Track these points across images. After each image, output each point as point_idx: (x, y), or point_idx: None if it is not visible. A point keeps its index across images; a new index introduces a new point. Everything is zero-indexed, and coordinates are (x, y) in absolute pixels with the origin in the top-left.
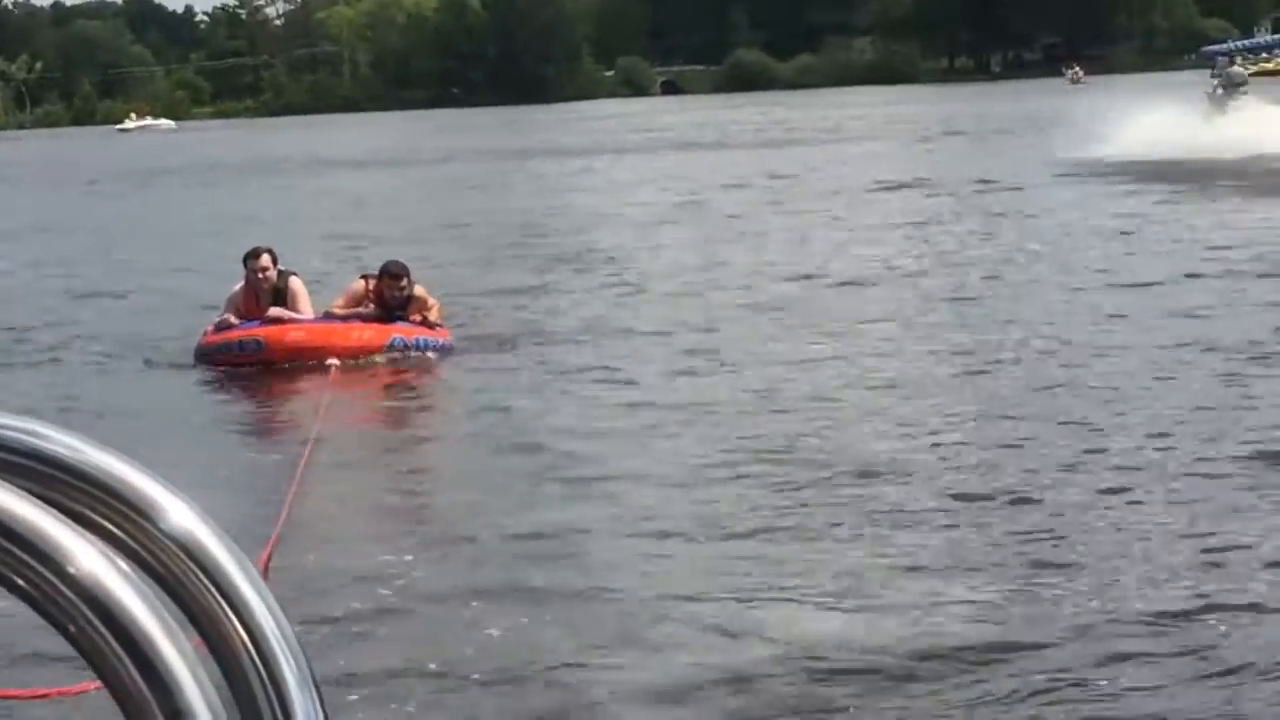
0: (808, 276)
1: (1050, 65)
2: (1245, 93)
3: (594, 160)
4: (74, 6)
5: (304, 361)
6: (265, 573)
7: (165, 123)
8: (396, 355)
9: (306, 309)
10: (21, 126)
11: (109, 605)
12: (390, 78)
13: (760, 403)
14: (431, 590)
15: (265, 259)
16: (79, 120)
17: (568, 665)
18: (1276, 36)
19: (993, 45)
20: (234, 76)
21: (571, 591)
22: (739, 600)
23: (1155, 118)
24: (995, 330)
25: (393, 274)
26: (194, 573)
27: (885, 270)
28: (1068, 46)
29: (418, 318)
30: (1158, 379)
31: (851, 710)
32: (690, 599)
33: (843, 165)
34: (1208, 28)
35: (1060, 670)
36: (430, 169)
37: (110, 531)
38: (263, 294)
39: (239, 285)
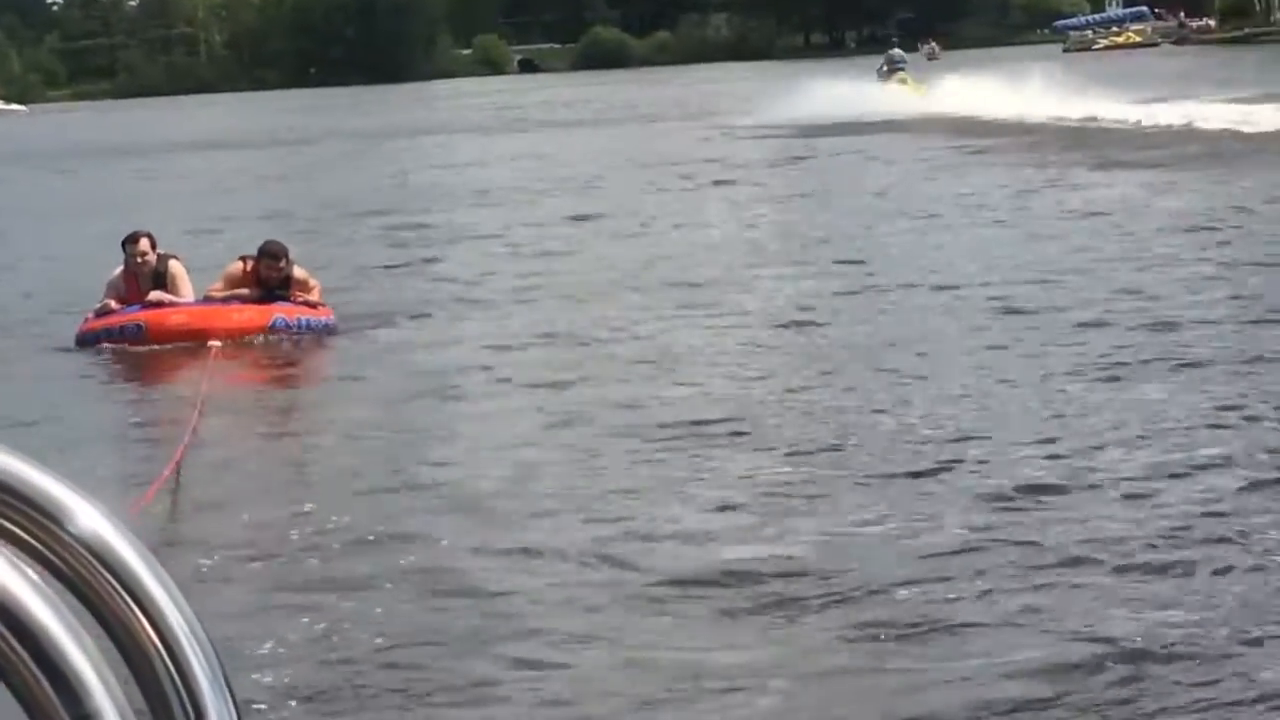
0: (667, 255)
1: (906, 41)
2: (902, 71)
3: (450, 139)
4: None
5: (186, 344)
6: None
7: (16, 107)
8: (279, 335)
9: (187, 292)
10: None
11: (15, 613)
12: (246, 58)
13: (623, 366)
14: (301, 544)
15: (144, 243)
16: None
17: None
18: (1128, 10)
19: (848, 22)
20: (89, 58)
21: (438, 548)
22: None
23: (834, 91)
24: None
25: (271, 254)
26: (103, 576)
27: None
28: (923, 22)
29: (299, 297)
30: None
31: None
32: (556, 554)
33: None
34: (1061, 2)
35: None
36: (288, 150)
37: (16, 535)
38: (143, 278)
39: (118, 270)
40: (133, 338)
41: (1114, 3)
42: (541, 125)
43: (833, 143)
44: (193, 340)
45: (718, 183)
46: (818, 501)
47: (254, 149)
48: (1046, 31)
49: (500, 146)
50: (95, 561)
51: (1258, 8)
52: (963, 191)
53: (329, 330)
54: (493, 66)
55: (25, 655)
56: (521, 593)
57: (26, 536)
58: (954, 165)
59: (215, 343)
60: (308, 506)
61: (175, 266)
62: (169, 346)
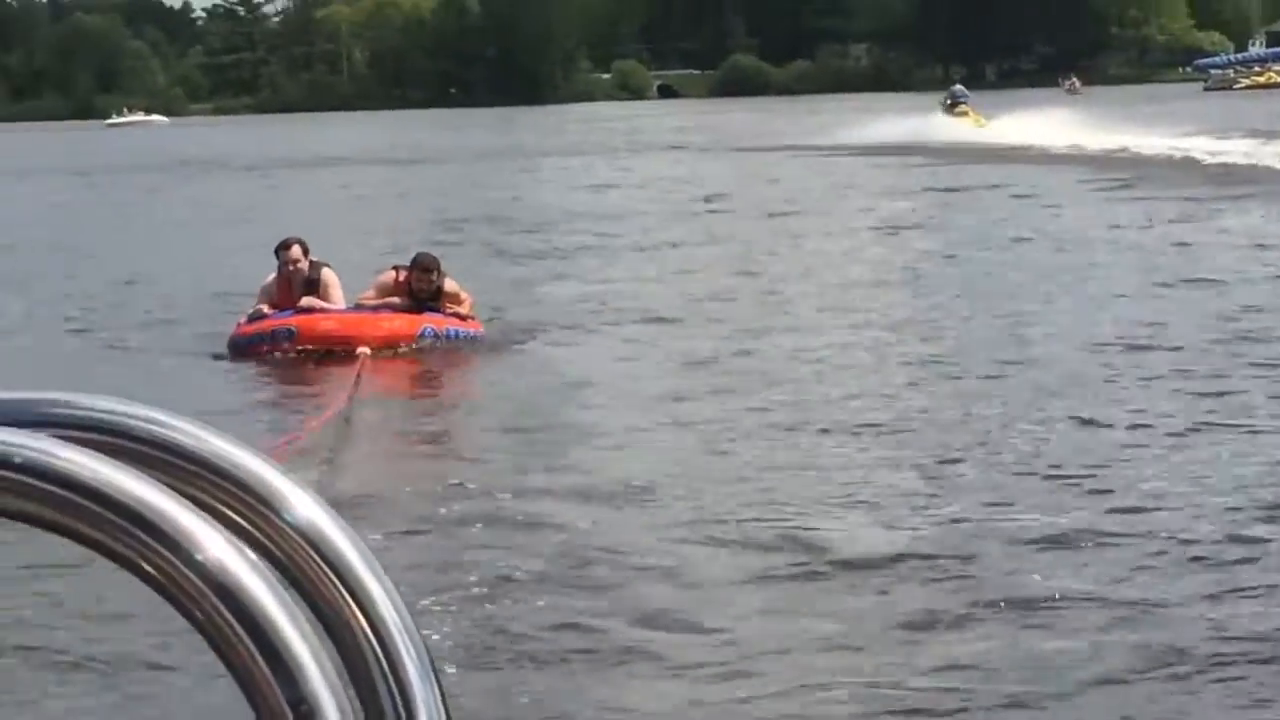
0: (804, 271)
1: (1045, 75)
2: (964, 109)
3: (588, 159)
4: (72, 1)
5: (335, 350)
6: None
7: (158, 118)
8: (427, 345)
9: (339, 299)
10: (18, 119)
11: (236, 593)
12: (387, 77)
13: (770, 377)
14: (442, 521)
15: (296, 250)
16: (77, 114)
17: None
18: (1270, 50)
19: (988, 55)
20: (231, 73)
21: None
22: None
23: (905, 122)
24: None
25: (423, 265)
26: (317, 564)
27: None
28: (1063, 57)
29: (450, 309)
30: None
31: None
32: (695, 538)
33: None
34: (1202, 40)
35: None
36: (429, 166)
37: (234, 521)
38: (295, 284)
39: (271, 276)
40: (284, 342)
41: (1257, 43)
42: (674, 148)
43: (930, 171)
44: (342, 346)
45: (863, 211)
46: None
47: (395, 165)
48: (1188, 70)
49: (636, 167)
50: (310, 549)
51: None
52: (1114, 224)
53: (478, 342)
54: (632, 91)
55: (244, 636)
56: (661, 570)
57: (243, 522)
58: (1103, 197)
59: (364, 349)
60: (448, 491)
61: (327, 274)
62: (319, 352)
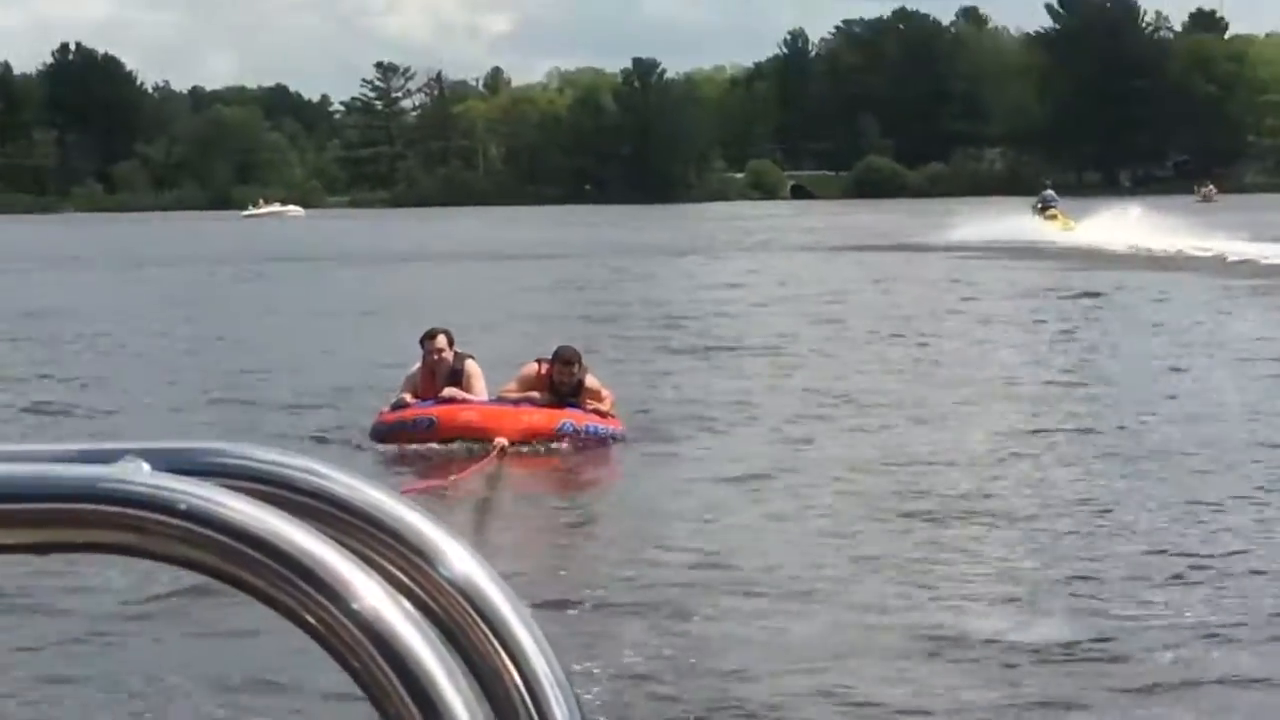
0: (935, 363)
1: (1180, 182)
2: (1054, 212)
3: (725, 257)
4: (212, 92)
5: (474, 440)
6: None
7: (294, 209)
8: (566, 440)
9: (481, 390)
10: (159, 208)
11: (393, 643)
12: (522, 173)
13: (908, 469)
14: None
15: (441, 340)
16: (215, 204)
17: None
18: None
19: (1123, 161)
20: (368, 167)
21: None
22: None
23: (1006, 222)
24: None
25: (564, 359)
26: (471, 616)
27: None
28: (1199, 164)
29: (590, 405)
30: None
31: None
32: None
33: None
34: None
35: None
36: (567, 262)
37: (391, 572)
38: (439, 375)
39: (416, 366)
40: (424, 431)
41: None
42: (804, 249)
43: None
44: (481, 438)
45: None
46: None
47: (531, 260)
48: None
49: (769, 267)
50: (464, 601)
51: None
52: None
53: (617, 439)
54: (765, 191)
55: (400, 686)
56: (804, 655)
57: (400, 573)
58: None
59: (502, 440)
60: (586, 574)
61: (471, 365)
62: (457, 443)
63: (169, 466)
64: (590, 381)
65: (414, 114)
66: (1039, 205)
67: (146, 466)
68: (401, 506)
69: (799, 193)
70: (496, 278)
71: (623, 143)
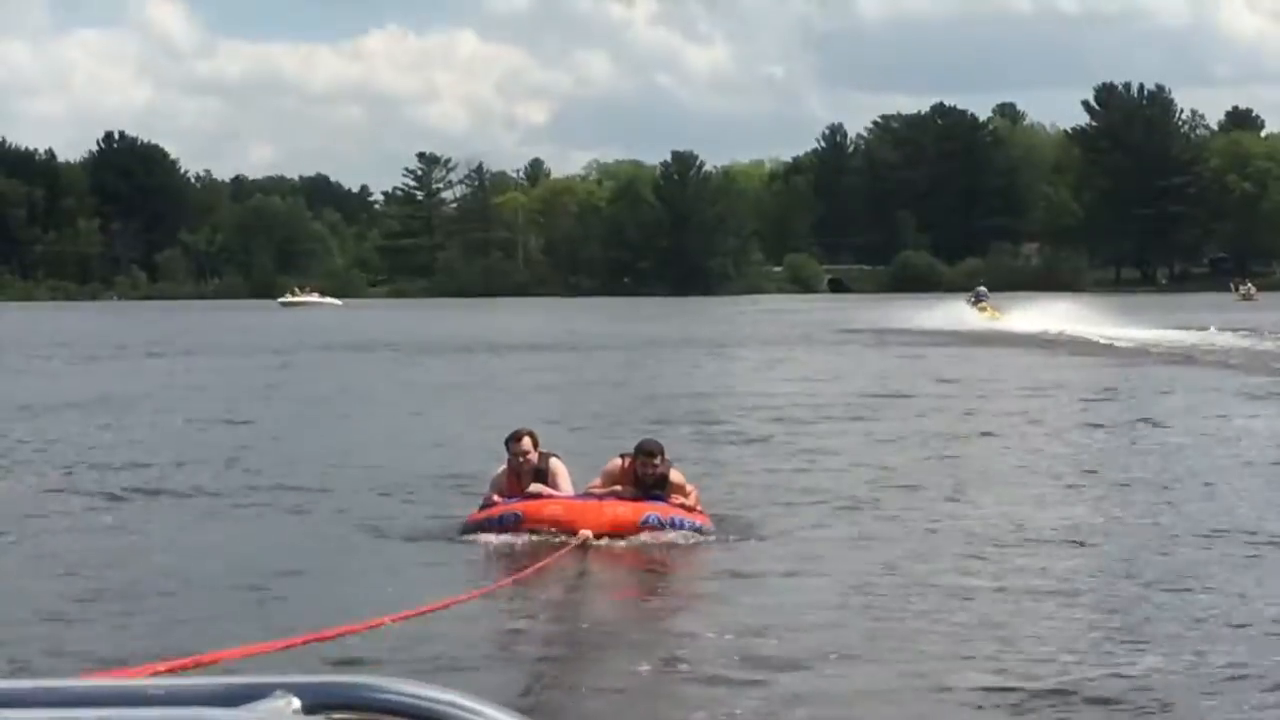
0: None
1: (1217, 279)
2: (984, 305)
3: (770, 351)
4: (254, 181)
5: (560, 534)
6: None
7: (330, 300)
8: (651, 533)
9: (567, 487)
10: (201, 297)
11: None
12: (562, 264)
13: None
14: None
15: (526, 442)
16: (256, 293)
17: None
18: None
19: (1160, 258)
20: (408, 257)
21: None
22: None
23: (942, 313)
24: None
25: (647, 451)
26: None
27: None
28: (1235, 261)
29: (676, 500)
30: None
31: None
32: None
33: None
34: None
35: None
36: (610, 354)
37: None
38: (524, 475)
39: (501, 467)
40: (511, 526)
41: None
42: (835, 343)
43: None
44: (567, 530)
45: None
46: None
47: (572, 351)
48: None
49: (806, 360)
50: None
51: None
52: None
53: (703, 533)
54: (803, 284)
55: None
56: None
57: None
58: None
59: (586, 532)
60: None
61: (555, 463)
62: (543, 537)
63: (320, 700)
64: (675, 476)
65: (454, 205)
66: (973, 300)
67: (297, 702)
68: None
69: (836, 286)
70: (541, 368)
71: (661, 235)
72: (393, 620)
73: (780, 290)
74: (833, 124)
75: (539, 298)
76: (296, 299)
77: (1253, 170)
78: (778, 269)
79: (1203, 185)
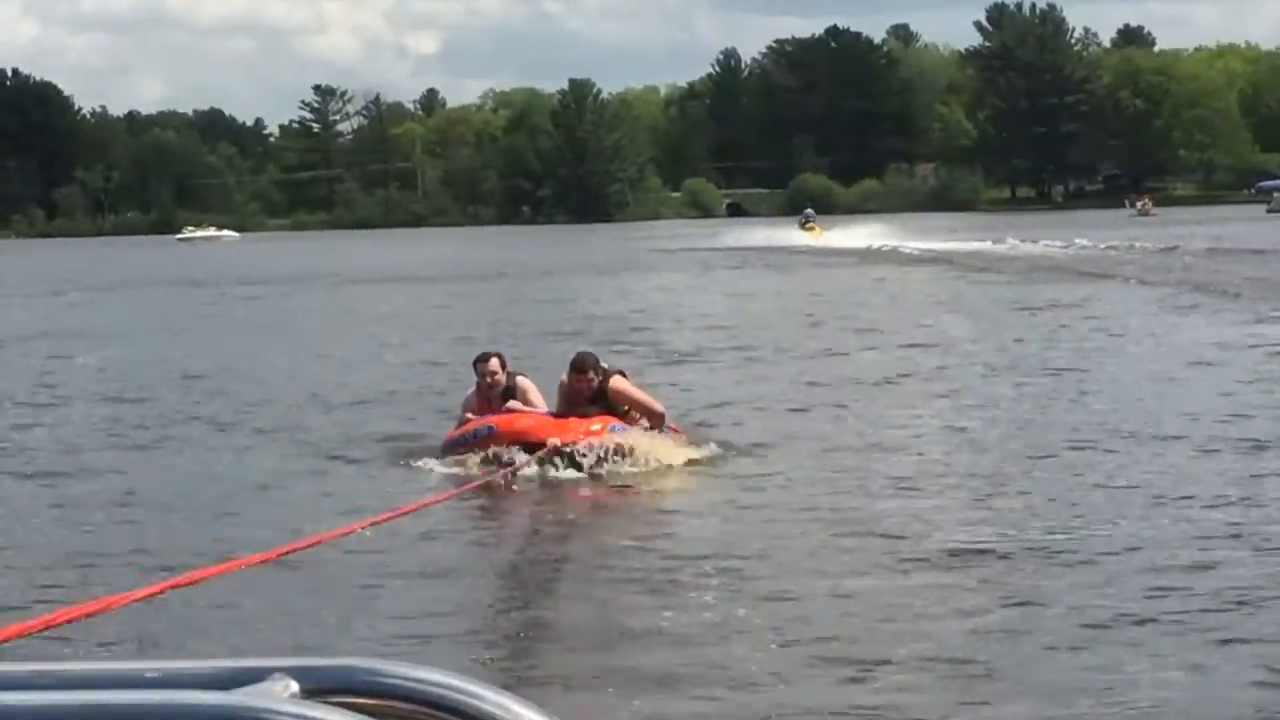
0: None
1: (1112, 196)
2: (811, 225)
3: (672, 273)
4: (148, 116)
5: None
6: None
7: (228, 233)
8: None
9: (540, 403)
10: (100, 234)
11: None
12: (461, 194)
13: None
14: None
15: (494, 363)
16: (155, 229)
17: None
18: None
19: (1054, 176)
20: (306, 190)
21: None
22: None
23: (770, 231)
24: None
25: (578, 368)
26: None
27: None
28: (1129, 178)
29: (634, 417)
30: None
31: None
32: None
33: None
34: (1266, 162)
35: None
36: (522, 282)
37: None
38: (494, 397)
39: (470, 390)
40: (484, 438)
41: None
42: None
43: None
44: (537, 442)
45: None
46: None
47: (470, 280)
48: (1251, 191)
49: (704, 282)
50: None
51: None
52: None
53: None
54: (701, 209)
55: None
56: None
57: None
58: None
59: (555, 440)
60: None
61: (524, 382)
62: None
63: (319, 684)
64: (620, 384)
65: (350, 136)
66: (803, 221)
67: (295, 685)
68: (499, 696)
69: (734, 210)
70: (451, 296)
71: (560, 163)
72: (363, 527)
73: (679, 216)
74: (727, 49)
75: (439, 228)
76: (195, 233)
77: (1145, 87)
78: (676, 194)
79: (1096, 103)
